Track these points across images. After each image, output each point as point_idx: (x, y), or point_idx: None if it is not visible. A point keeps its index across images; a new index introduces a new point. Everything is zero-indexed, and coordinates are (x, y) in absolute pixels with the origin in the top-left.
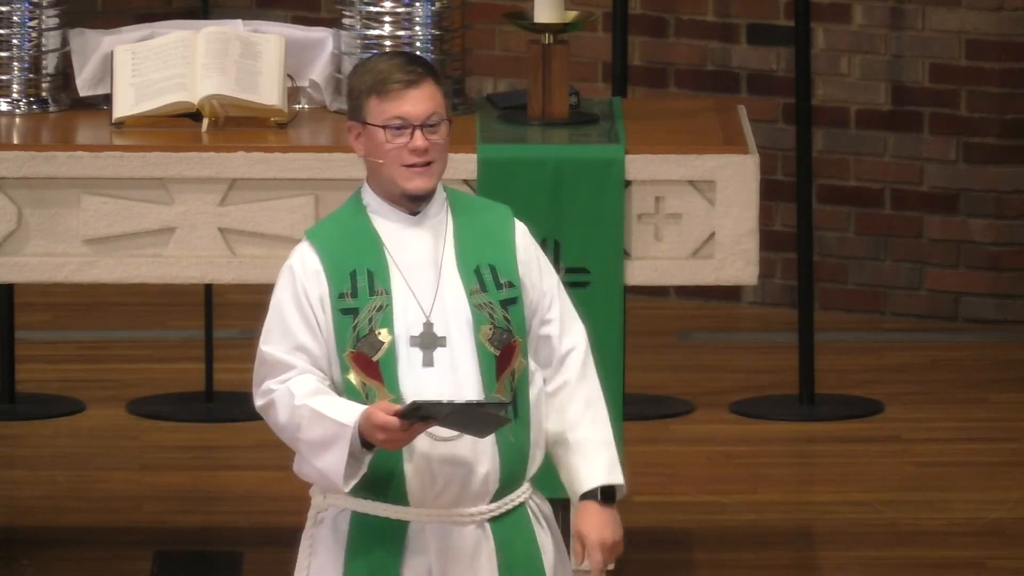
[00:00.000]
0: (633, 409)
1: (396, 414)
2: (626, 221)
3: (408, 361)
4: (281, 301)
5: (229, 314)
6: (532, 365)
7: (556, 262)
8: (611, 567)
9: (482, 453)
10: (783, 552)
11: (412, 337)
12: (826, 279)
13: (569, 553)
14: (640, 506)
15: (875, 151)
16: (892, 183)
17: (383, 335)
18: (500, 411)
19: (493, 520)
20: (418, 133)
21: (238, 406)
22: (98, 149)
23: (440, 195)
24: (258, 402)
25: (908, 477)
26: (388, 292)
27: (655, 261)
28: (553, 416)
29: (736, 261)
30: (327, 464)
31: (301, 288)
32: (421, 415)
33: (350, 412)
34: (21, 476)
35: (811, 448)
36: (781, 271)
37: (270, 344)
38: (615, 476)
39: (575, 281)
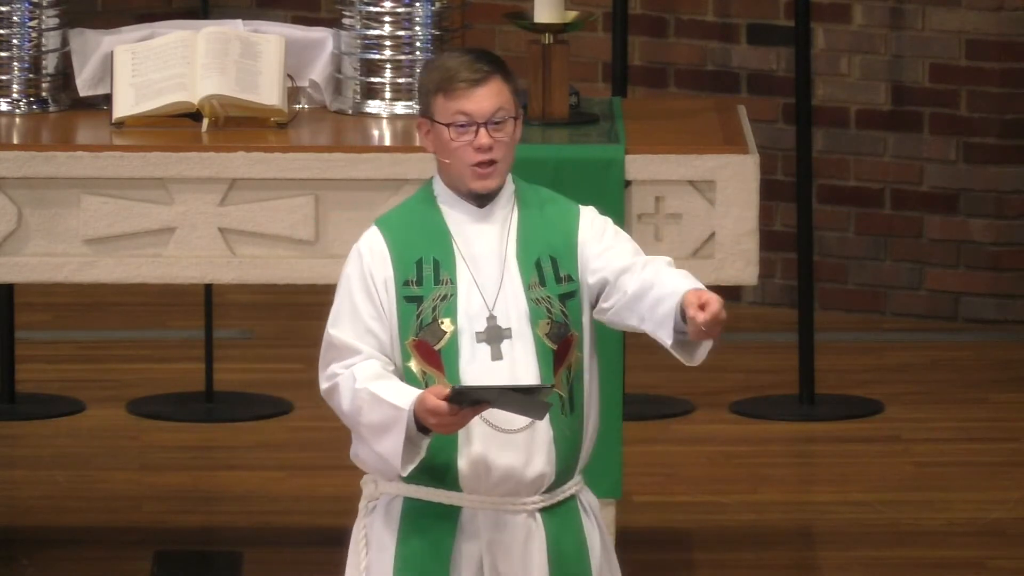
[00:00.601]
0: (633, 409)
1: (444, 399)
2: (626, 221)
3: (472, 354)
4: (350, 284)
5: (229, 314)
6: (587, 358)
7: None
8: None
9: (539, 446)
10: (783, 552)
11: (477, 333)
12: (826, 279)
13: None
14: (640, 506)
15: (875, 151)
16: (892, 183)
17: (446, 325)
18: (546, 396)
19: (544, 510)
20: (483, 131)
21: (238, 406)
22: (98, 149)
23: (509, 187)
24: (323, 386)
25: (908, 477)
26: (453, 282)
27: None
28: (636, 285)
29: (736, 261)
30: (386, 448)
31: (368, 271)
32: (469, 400)
33: (407, 396)
34: (21, 476)
35: (811, 448)
36: (781, 271)
37: (338, 328)
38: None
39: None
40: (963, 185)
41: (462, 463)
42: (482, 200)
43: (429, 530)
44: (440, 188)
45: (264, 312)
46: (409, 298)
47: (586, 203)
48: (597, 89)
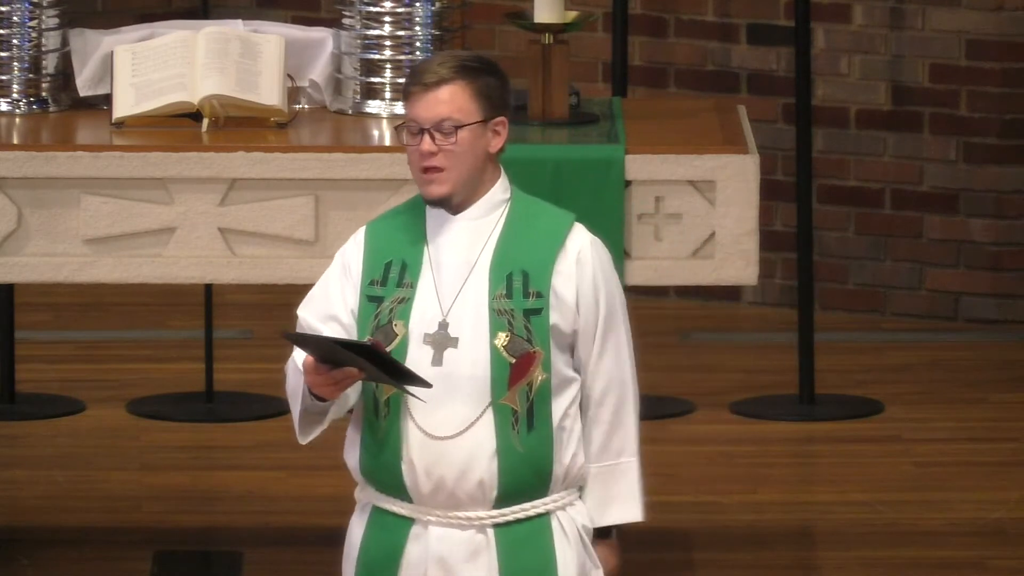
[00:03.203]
0: None
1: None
2: (626, 221)
3: (419, 356)
4: (328, 272)
5: (229, 314)
6: (561, 377)
7: None
8: None
9: (477, 458)
10: (783, 552)
11: (426, 335)
12: (826, 279)
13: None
14: None
15: (875, 151)
16: (892, 183)
17: (399, 327)
18: (365, 353)
19: (500, 527)
20: (426, 137)
21: (238, 406)
22: (98, 149)
23: (499, 196)
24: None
25: (908, 477)
26: (413, 286)
27: (655, 261)
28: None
29: (736, 261)
30: (294, 414)
31: (347, 263)
32: (310, 349)
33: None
34: (21, 476)
35: (811, 448)
36: (781, 271)
37: (305, 310)
38: (605, 516)
39: None
40: (963, 185)
41: (404, 469)
42: (449, 206)
43: (384, 539)
44: None
45: (264, 312)
46: (371, 298)
47: (586, 203)
48: (597, 89)
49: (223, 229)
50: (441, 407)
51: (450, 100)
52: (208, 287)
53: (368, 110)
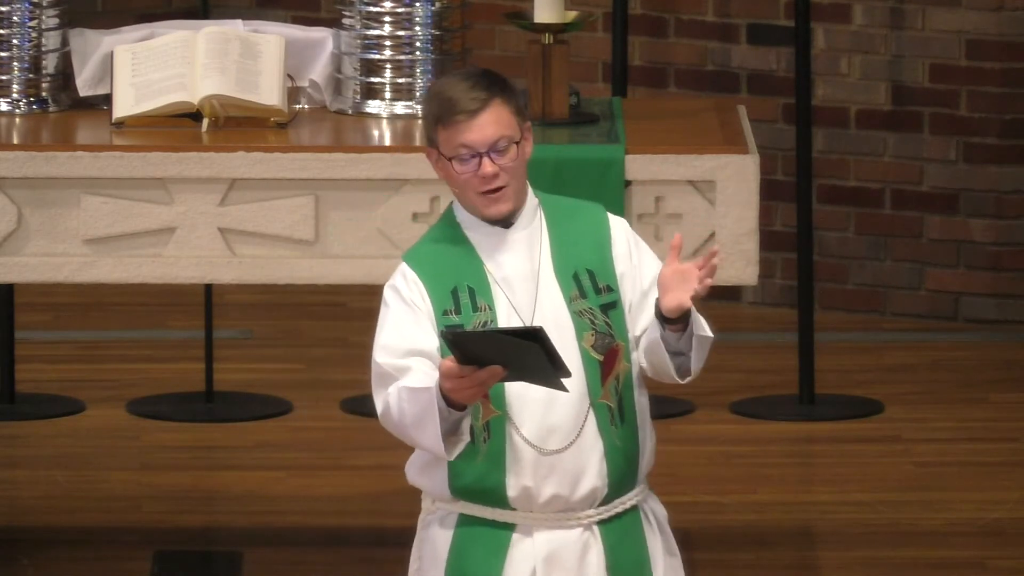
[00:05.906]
0: None
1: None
2: (626, 221)
3: None
4: (393, 312)
5: (229, 314)
6: (636, 368)
7: None
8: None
9: (588, 463)
10: (783, 552)
11: None
12: (826, 279)
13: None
14: None
15: (875, 151)
16: (892, 183)
17: None
18: (537, 339)
19: (602, 523)
20: (485, 160)
21: (238, 406)
22: (98, 149)
23: (532, 202)
24: (380, 412)
25: (908, 477)
26: (491, 307)
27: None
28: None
29: (736, 261)
30: (428, 437)
31: (410, 298)
32: (467, 349)
33: (434, 376)
34: (21, 476)
35: (811, 448)
36: (781, 271)
37: (384, 355)
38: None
39: None
40: (963, 185)
41: (510, 488)
42: (505, 221)
43: (482, 544)
44: (462, 214)
45: (264, 312)
46: (450, 327)
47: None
48: (597, 89)
49: (223, 229)
50: (547, 419)
51: (498, 120)
52: (208, 287)
53: (368, 110)
